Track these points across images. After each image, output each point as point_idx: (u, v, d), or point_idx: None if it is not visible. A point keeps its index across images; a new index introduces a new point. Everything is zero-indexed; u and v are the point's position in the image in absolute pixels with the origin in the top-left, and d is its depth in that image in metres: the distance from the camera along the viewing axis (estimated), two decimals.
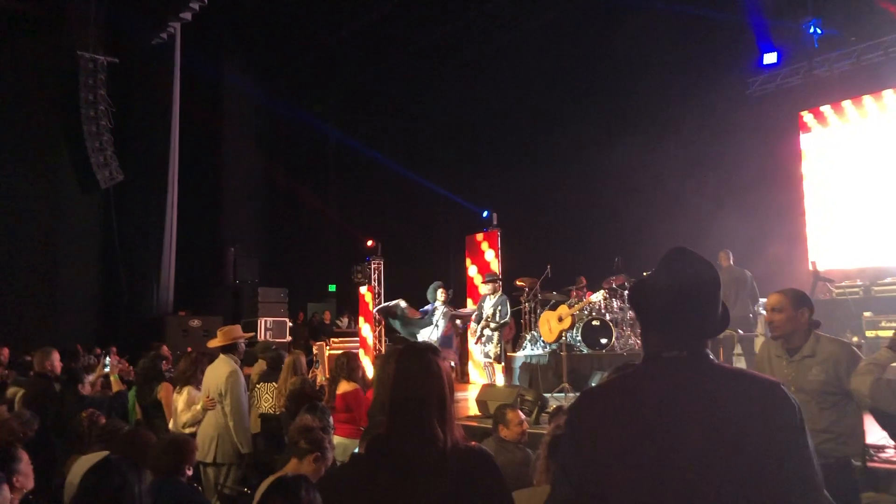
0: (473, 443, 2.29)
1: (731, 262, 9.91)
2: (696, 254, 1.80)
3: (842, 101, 12.23)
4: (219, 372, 5.99)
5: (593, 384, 10.51)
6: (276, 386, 6.79)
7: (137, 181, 15.84)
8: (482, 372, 12.25)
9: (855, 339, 8.70)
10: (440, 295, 10.75)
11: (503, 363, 10.51)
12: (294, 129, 19.23)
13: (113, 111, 15.33)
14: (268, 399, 6.82)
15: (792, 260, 11.85)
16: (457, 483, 2.12)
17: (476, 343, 10.68)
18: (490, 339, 10.27)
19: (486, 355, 10.34)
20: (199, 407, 5.98)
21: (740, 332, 8.84)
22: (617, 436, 1.66)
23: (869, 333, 8.92)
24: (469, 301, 13.13)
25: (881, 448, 4.68)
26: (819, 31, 12.08)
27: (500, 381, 10.35)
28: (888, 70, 11.66)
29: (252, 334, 9.08)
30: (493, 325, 10.30)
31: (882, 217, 11.62)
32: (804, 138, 12.84)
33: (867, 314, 9.11)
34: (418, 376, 2.22)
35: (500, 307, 10.34)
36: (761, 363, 3.95)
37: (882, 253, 11.43)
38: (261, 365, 7.69)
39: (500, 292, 10.50)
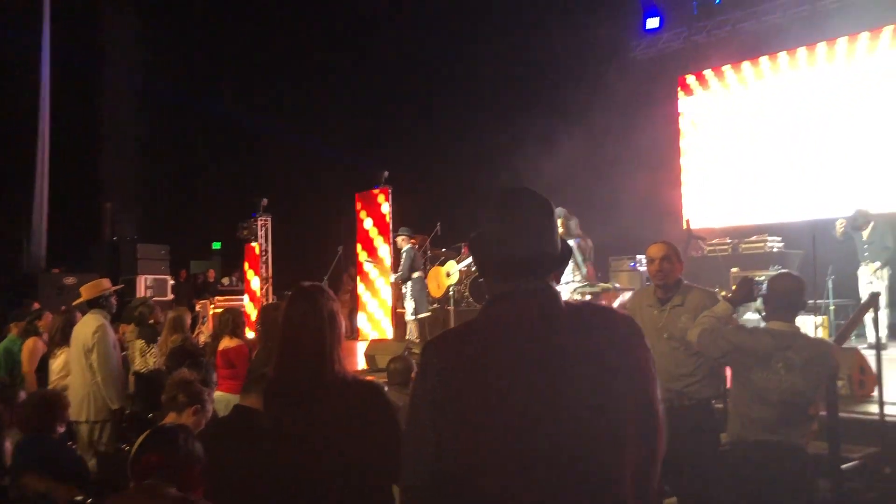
0: (366, 377, 2.38)
1: None
2: (527, 189, 1.74)
3: (718, 67, 12.72)
4: (86, 327, 5.80)
5: None
6: (144, 343, 6.60)
7: (4, 130, 14.82)
8: (377, 327, 12.24)
9: (723, 293, 9.17)
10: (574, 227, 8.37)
11: (416, 318, 9.79)
12: (178, 76, 18.35)
13: None
14: (138, 356, 6.64)
15: (668, 217, 12.29)
16: (343, 414, 2.21)
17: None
18: (407, 295, 10.08)
19: (411, 313, 10.02)
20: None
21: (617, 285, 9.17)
22: (485, 375, 1.60)
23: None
24: (364, 255, 12.98)
25: None
26: None
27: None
28: (762, 38, 12.20)
29: (122, 286, 8.69)
30: (396, 278, 10.29)
31: (750, 178, 12.25)
32: (682, 102, 13.34)
33: (734, 270, 9.62)
34: (303, 316, 2.32)
35: (403, 261, 10.18)
36: (633, 312, 4.10)
37: (749, 213, 12.08)
38: None
39: (408, 246, 10.18)
